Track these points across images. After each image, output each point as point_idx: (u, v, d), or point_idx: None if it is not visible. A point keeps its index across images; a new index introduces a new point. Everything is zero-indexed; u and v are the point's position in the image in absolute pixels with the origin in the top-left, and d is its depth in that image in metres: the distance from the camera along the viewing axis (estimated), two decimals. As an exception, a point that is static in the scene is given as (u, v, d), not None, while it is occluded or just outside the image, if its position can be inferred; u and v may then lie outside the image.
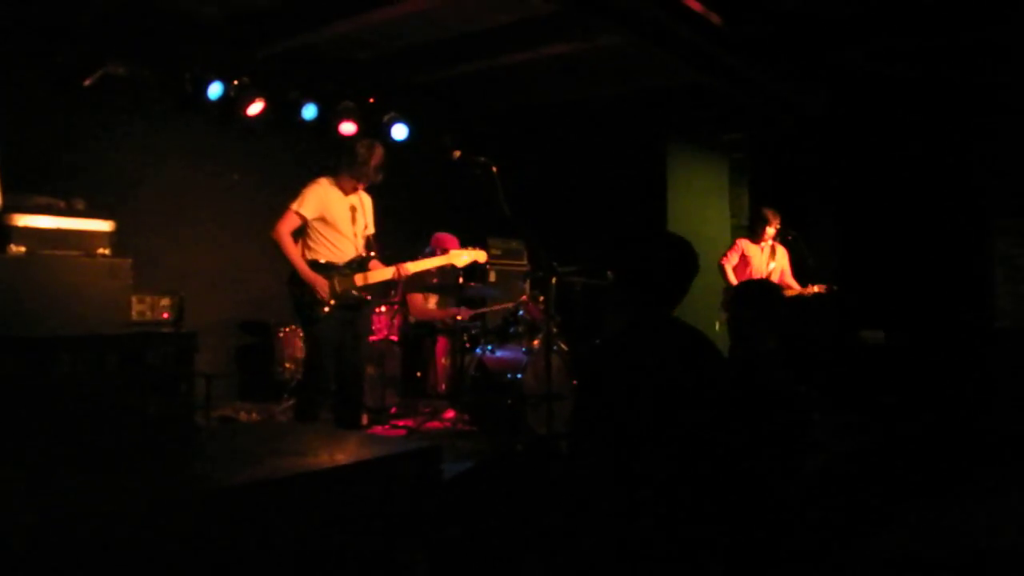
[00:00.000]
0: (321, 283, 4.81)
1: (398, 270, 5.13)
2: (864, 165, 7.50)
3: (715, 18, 5.87)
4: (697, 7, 5.65)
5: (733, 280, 6.60)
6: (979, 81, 6.83)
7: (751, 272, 6.68)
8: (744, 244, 6.77)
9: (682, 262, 2.56)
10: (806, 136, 7.77)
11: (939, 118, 7.05)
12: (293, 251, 4.83)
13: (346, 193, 5.00)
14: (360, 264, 5.02)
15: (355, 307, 5.01)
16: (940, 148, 7.09)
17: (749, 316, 3.23)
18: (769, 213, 6.70)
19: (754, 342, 3.21)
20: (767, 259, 6.81)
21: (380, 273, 5.07)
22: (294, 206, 4.84)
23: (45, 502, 2.24)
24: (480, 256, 5.62)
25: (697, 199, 8.38)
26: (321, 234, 4.91)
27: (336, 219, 4.94)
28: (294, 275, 4.84)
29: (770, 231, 6.71)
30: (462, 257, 5.55)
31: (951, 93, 6.96)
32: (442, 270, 6.76)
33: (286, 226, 4.83)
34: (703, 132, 8.47)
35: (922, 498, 4.60)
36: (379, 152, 5.01)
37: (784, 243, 6.88)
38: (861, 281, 7.29)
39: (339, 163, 5.01)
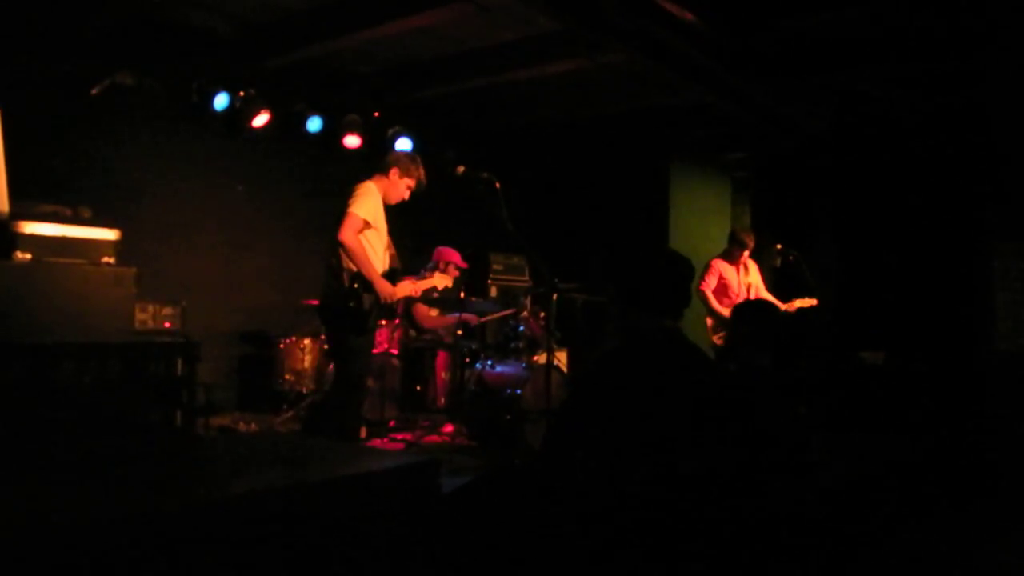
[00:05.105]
0: (392, 291, 4.67)
1: (416, 286, 5.07)
2: (866, 186, 7.53)
3: (719, 38, 5.92)
4: (701, 26, 5.70)
5: (715, 305, 6.62)
6: (982, 104, 6.87)
7: (732, 292, 6.73)
8: (721, 265, 6.77)
9: (672, 271, 2.57)
10: (808, 156, 7.81)
11: (941, 139, 7.09)
12: (367, 256, 4.61)
13: (387, 203, 4.88)
14: (392, 275, 4.86)
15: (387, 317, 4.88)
16: (942, 170, 7.12)
17: (745, 332, 3.27)
18: (746, 237, 6.75)
19: (748, 358, 3.24)
20: (742, 275, 6.88)
21: (404, 287, 4.95)
22: (355, 209, 4.60)
23: (46, 509, 2.25)
24: None
25: (699, 218, 8.42)
26: (368, 240, 4.70)
27: (381, 227, 4.80)
28: (357, 280, 4.60)
29: (746, 254, 6.80)
30: None
31: (953, 115, 7.00)
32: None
33: (353, 229, 4.58)
34: (706, 151, 8.51)
35: (921, 522, 4.59)
36: (422, 169, 4.97)
37: (785, 264, 6.90)
38: (862, 302, 7.31)
39: (385, 171, 4.86)
